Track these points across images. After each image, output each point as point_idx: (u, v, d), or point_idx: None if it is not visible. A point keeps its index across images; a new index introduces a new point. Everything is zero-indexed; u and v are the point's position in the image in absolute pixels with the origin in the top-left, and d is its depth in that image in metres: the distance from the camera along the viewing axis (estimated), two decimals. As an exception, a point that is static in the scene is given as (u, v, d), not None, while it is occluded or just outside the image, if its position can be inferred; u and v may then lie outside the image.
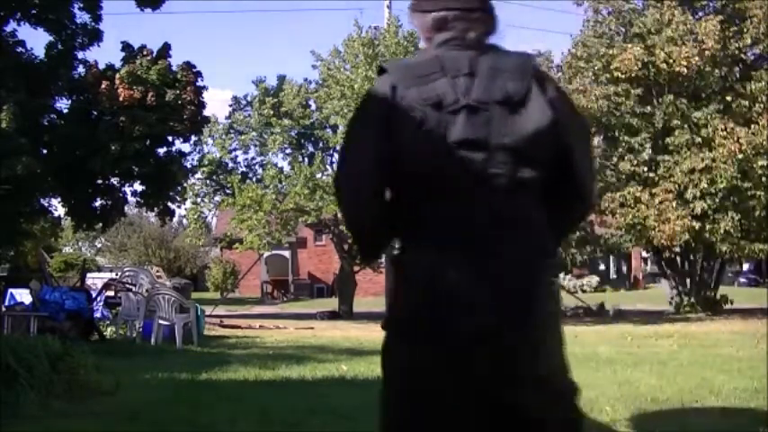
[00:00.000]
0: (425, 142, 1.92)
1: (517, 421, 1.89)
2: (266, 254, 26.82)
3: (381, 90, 1.99)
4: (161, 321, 10.96)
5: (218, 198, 26.78)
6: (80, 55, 16.65)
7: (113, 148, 15.58)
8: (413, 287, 1.93)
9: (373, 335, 12.61)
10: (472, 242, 1.89)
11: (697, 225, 16.89)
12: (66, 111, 16.73)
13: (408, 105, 1.93)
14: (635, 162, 17.70)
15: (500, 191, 1.92)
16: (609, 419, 5.20)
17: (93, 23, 16.38)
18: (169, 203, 18.59)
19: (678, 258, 19.92)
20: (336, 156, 15.13)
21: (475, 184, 1.91)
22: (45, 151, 16.13)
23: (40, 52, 16.29)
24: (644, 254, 34.23)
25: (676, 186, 17.23)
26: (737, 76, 17.87)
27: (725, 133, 16.83)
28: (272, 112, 25.54)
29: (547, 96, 2.00)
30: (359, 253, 2.18)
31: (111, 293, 13.28)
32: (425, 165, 1.92)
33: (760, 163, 16.73)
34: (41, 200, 17.80)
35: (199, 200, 27.15)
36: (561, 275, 32.35)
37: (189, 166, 20.86)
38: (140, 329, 11.24)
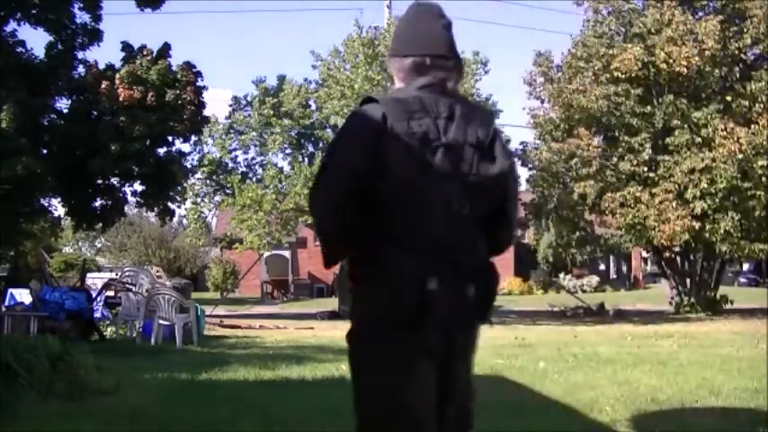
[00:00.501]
0: (410, 169, 2.25)
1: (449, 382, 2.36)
2: (266, 254, 26.82)
3: (374, 117, 2.28)
4: (161, 321, 10.96)
5: (218, 198, 26.77)
6: (80, 55, 16.61)
7: (113, 148, 15.55)
8: (400, 287, 2.20)
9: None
10: (441, 255, 2.24)
11: (697, 225, 16.89)
12: (66, 111, 16.70)
13: (398, 135, 2.25)
14: (635, 162, 17.70)
15: (462, 217, 2.31)
16: (609, 419, 5.20)
17: (93, 23, 16.35)
18: (169, 203, 18.55)
19: (678, 258, 19.92)
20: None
21: (444, 208, 2.28)
22: (45, 151, 16.10)
23: (40, 52, 16.27)
24: (644, 254, 34.25)
25: (676, 186, 17.23)
26: (737, 76, 17.88)
27: (725, 133, 16.83)
28: (272, 112, 25.55)
29: (502, 146, 2.45)
30: (323, 255, 2.41)
31: (111, 293, 13.27)
32: (409, 188, 2.26)
33: (760, 163, 16.73)
34: (41, 200, 17.76)
35: (199, 200, 27.13)
36: (561, 275, 32.58)
37: (189, 166, 20.83)
38: (140, 329, 11.24)
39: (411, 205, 2.26)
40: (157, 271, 21.77)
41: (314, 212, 2.44)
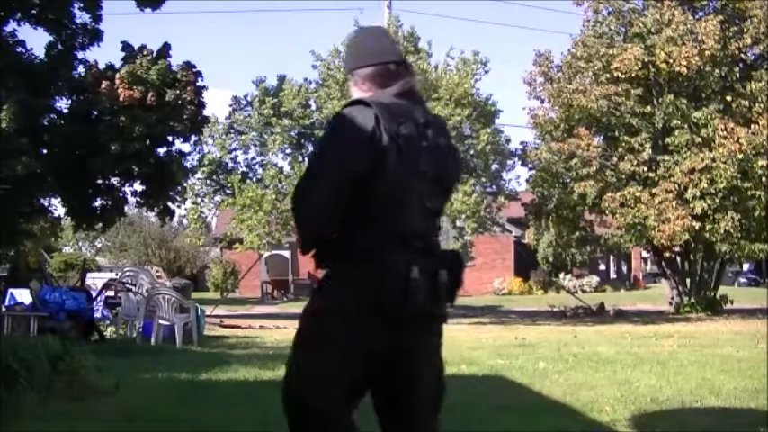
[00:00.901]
0: (400, 169, 2.45)
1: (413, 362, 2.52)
2: (266, 254, 26.78)
3: (368, 119, 2.44)
4: (161, 321, 10.95)
5: (218, 198, 26.72)
6: (80, 55, 16.61)
7: (113, 148, 15.55)
8: (388, 274, 2.38)
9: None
10: (420, 245, 2.47)
11: (697, 225, 16.90)
12: (66, 111, 16.69)
13: (391, 137, 2.43)
14: (635, 162, 17.70)
15: (434, 212, 2.60)
16: (609, 419, 5.20)
17: (93, 23, 16.34)
18: (169, 203, 18.55)
19: (678, 258, 19.92)
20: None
21: (420, 204, 2.52)
22: (45, 151, 16.09)
23: (40, 52, 16.26)
24: (644, 254, 34.26)
25: (676, 186, 17.23)
26: (737, 76, 17.88)
27: (725, 133, 16.84)
28: (272, 112, 25.50)
29: (456, 150, 2.85)
30: (301, 246, 2.56)
31: (111, 293, 13.25)
32: (397, 186, 2.46)
33: (760, 163, 16.74)
34: (41, 200, 17.77)
35: (199, 200, 27.07)
36: (561, 275, 32.59)
37: (189, 166, 20.77)
38: (140, 329, 11.22)
39: (397, 201, 2.46)
40: (157, 271, 21.78)
41: (304, 212, 2.50)
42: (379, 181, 2.42)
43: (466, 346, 10.90)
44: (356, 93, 2.64)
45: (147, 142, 16.40)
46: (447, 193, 2.71)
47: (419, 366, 2.51)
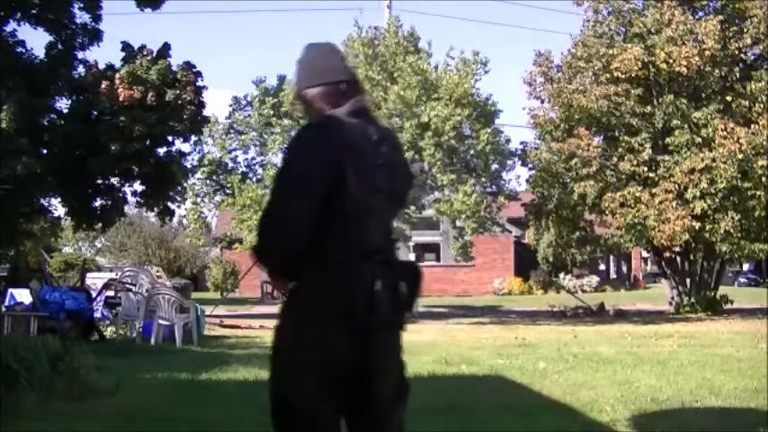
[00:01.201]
0: (359, 187, 2.54)
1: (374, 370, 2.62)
2: (266, 254, 26.76)
3: (335, 140, 2.55)
4: (161, 321, 10.95)
5: (218, 198, 26.75)
6: (80, 55, 16.60)
7: (113, 148, 15.55)
8: (356, 289, 2.49)
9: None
10: (381, 258, 2.59)
11: (697, 225, 16.89)
12: (66, 111, 16.68)
13: (354, 156, 2.54)
14: (635, 162, 17.69)
15: (387, 224, 2.73)
16: (609, 419, 5.20)
17: (93, 23, 16.33)
18: (169, 203, 18.55)
19: (678, 258, 19.91)
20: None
21: (379, 218, 2.66)
22: (45, 151, 16.08)
23: (40, 52, 16.26)
24: (644, 254, 34.25)
25: (676, 186, 17.22)
26: (737, 76, 17.86)
27: (725, 133, 16.83)
28: (272, 112, 25.53)
29: (407, 162, 2.97)
30: (272, 260, 2.66)
31: (111, 293, 13.25)
32: (360, 202, 2.56)
33: (760, 163, 16.73)
34: (41, 200, 17.77)
35: (199, 200, 27.11)
36: (561, 275, 32.59)
37: (189, 166, 20.79)
38: (140, 329, 11.23)
39: (360, 216, 2.57)
40: (157, 271, 21.78)
41: (283, 227, 2.54)
42: (341, 199, 2.52)
43: (466, 346, 10.90)
44: (308, 112, 2.73)
45: (147, 142, 16.40)
46: (401, 207, 2.87)
47: (381, 369, 2.62)
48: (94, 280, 18.44)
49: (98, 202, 17.48)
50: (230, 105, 28.23)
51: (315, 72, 2.73)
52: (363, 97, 2.76)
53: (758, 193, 17.00)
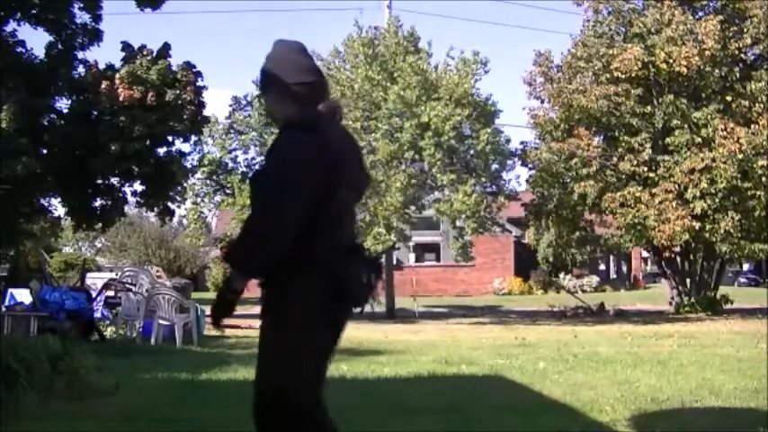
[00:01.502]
0: (341, 187, 2.69)
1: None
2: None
3: (329, 143, 2.66)
4: (161, 321, 10.95)
5: (218, 198, 26.75)
6: (80, 55, 16.61)
7: (113, 148, 15.55)
8: (349, 281, 2.67)
9: (374, 335, 12.61)
10: (358, 254, 2.80)
11: (697, 225, 16.89)
12: (66, 111, 16.68)
13: (341, 160, 2.68)
14: (635, 162, 17.70)
15: (356, 218, 2.98)
16: (609, 419, 5.20)
17: (93, 23, 16.34)
18: (169, 203, 18.55)
19: (678, 258, 19.92)
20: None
21: (352, 215, 2.89)
22: (45, 151, 16.09)
23: (40, 52, 16.26)
24: (644, 254, 34.24)
25: (676, 186, 17.23)
26: (737, 76, 17.87)
27: (725, 133, 16.84)
28: (272, 112, 25.50)
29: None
30: (260, 262, 2.72)
31: (111, 293, 13.24)
32: (342, 203, 2.74)
33: (760, 163, 16.74)
34: (41, 200, 17.77)
35: (199, 200, 27.11)
36: (561, 275, 32.59)
37: (189, 166, 20.76)
38: (140, 329, 11.22)
39: (339, 216, 2.74)
40: (157, 271, 21.76)
41: (279, 229, 2.61)
42: (327, 203, 2.64)
43: (466, 346, 10.91)
44: (286, 108, 2.79)
45: (147, 142, 16.40)
46: (360, 201, 3.11)
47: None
48: (94, 280, 18.41)
49: (98, 202, 17.48)
50: (230, 105, 28.22)
51: (302, 69, 2.81)
52: (333, 97, 2.96)
53: (758, 193, 17.01)
